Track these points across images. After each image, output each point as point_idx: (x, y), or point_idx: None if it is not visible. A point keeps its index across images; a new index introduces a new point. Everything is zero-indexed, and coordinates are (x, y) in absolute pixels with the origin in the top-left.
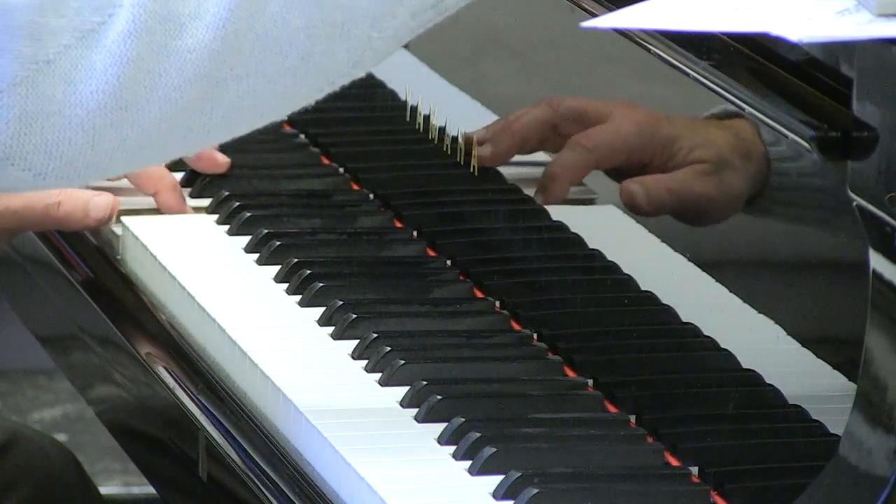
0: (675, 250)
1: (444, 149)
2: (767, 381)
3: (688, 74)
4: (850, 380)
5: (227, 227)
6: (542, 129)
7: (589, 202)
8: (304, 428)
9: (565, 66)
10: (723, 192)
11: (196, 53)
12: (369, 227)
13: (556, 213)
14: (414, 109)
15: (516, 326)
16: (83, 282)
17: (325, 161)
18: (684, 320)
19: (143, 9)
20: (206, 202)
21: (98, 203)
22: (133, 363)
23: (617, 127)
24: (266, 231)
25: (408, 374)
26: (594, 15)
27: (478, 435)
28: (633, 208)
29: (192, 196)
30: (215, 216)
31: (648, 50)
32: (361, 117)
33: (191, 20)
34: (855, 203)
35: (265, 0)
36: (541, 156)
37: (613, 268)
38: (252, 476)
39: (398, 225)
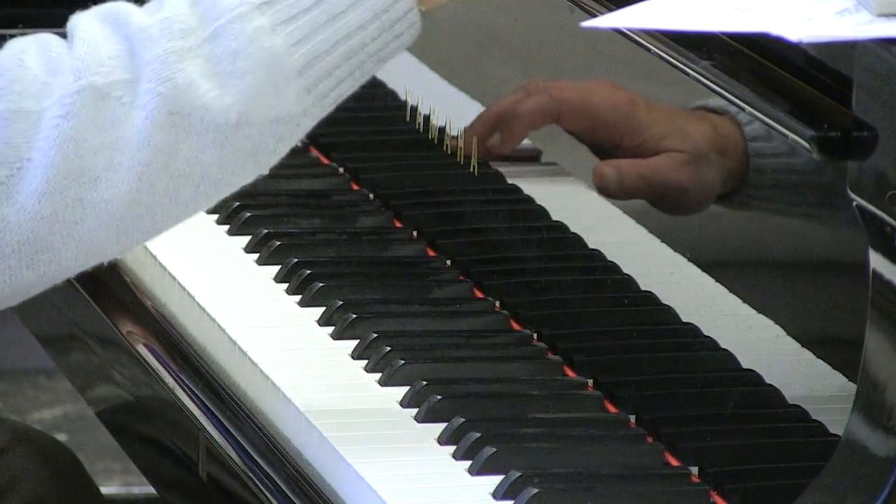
0: (675, 250)
1: (444, 149)
2: (767, 381)
3: (688, 74)
4: (850, 380)
5: (227, 227)
6: (545, 118)
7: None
8: (304, 428)
9: (565, 66)
10: (696, 183)
11: (113, 203)
12: (369, 227)
13: (556, 214)
14: (414, 109)
15: (516, 326)
16: (83, 282)
17: (325, 161)
18: (684, 320)
19: (56, 170)
20: None
21: None
22: (133, 363)
23: (591, 94)
24: (266, 231)
25: (408, 374)
26: (594, 15)
27: (478, 435)
28: (604, 190)
29: None
30: (215, 216)
31: (648, 50)
32: (361, 117)
33: (105, 173)
34: (855, 203)
35: (178, 145)
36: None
37: (613, 268)
38: (252, 476)
39: (398, 225)
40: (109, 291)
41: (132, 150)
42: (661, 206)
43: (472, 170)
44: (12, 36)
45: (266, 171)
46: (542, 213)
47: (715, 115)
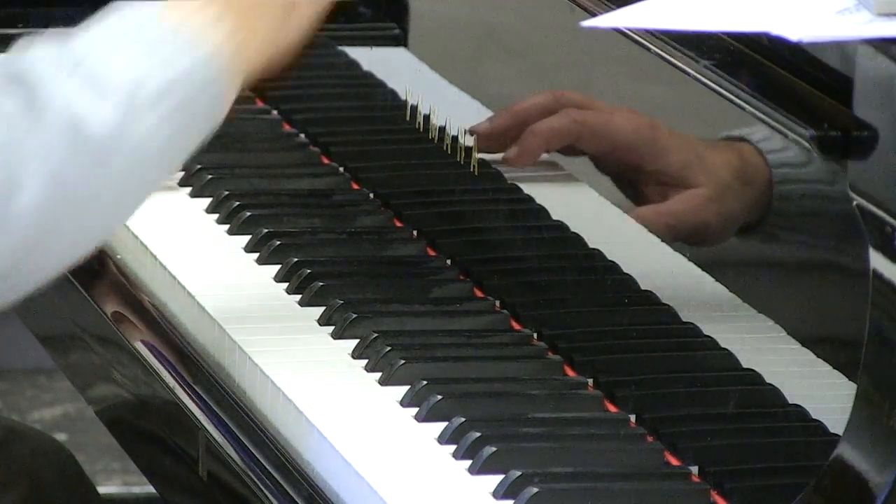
0: (675, 250)
1: (444, 149)
2: (767, 381)
3: (688, 74)
4: (850, 380)
5: (227, 227)
6: (564, 139)
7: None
8: (304, 427)
9: (565, 66)
10: (721, 217)
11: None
12: (369, 227)
13: (556, 214)
14: (414, 109)
15: (516, 326)
16: (83, 282)
17: (325, 161)
18: (684, 320)
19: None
20: (206, 201)
21: None
22: (133, 363)
23: (612, 118)
24: (266, 231)
25: (408, 374)
26: (594, 15)
27: (478, 435)
28: None
29: (192, 195)
30: (215, 215)
31: (648, 50)
32: (361, 117)
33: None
34: (855, 203)
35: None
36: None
37: (613, 268)
38: (252, 475)
39: (398, 225)
40: (109, 291)
41: None
42: (686, 241)
43: (472, 169)
44: (12, 35)
45: None
46: (542, 212)
47: (739, 143)
